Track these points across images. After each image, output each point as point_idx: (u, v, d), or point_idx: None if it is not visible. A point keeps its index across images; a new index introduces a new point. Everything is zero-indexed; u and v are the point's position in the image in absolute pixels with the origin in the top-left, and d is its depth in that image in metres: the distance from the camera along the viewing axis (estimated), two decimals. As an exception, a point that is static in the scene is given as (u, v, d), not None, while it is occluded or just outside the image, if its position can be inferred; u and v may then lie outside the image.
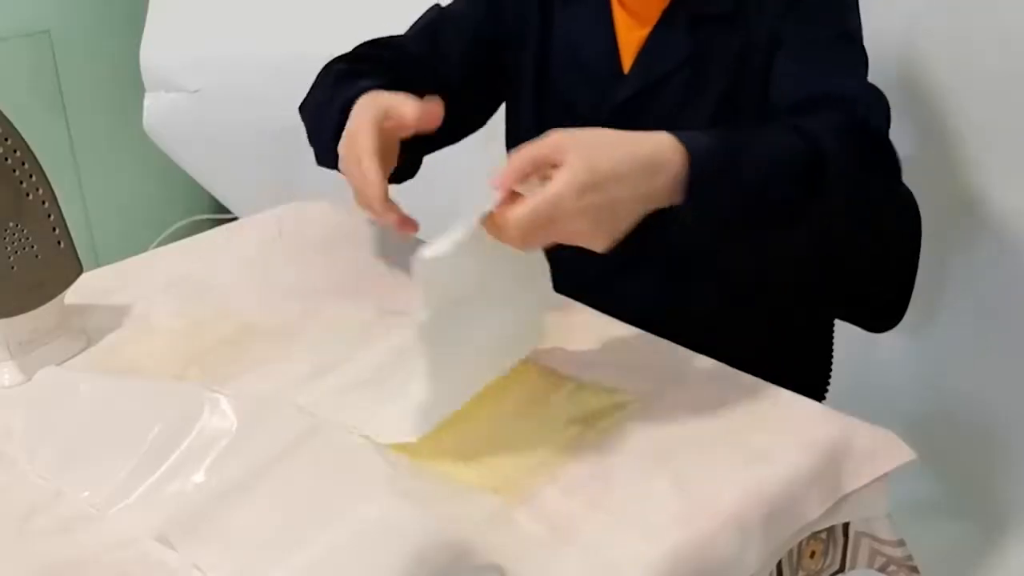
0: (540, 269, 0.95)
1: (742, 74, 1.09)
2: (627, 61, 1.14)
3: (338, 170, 1.04)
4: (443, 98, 1.09)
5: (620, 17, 1.15)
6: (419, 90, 1.05)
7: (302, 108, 1.19)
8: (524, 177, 0.84)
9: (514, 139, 1.28)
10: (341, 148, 1.00)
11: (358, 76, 1.10)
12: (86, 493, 0.85)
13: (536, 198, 0.82)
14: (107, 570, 0.78)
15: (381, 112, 0.97)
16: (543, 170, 0.84)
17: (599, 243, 0.85)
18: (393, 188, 1.02)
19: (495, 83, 1.25)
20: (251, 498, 0.81)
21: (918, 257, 1.32)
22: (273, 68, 2.04)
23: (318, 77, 1.20)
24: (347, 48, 1.90)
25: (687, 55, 1.10)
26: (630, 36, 1.14)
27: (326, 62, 1.21)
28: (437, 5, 1.27)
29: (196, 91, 2.13)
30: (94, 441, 0.90)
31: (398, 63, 1.19)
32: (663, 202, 0.87)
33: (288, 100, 2.07)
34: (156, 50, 2.14)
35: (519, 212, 0.82)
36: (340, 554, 0.75)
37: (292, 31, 2.05)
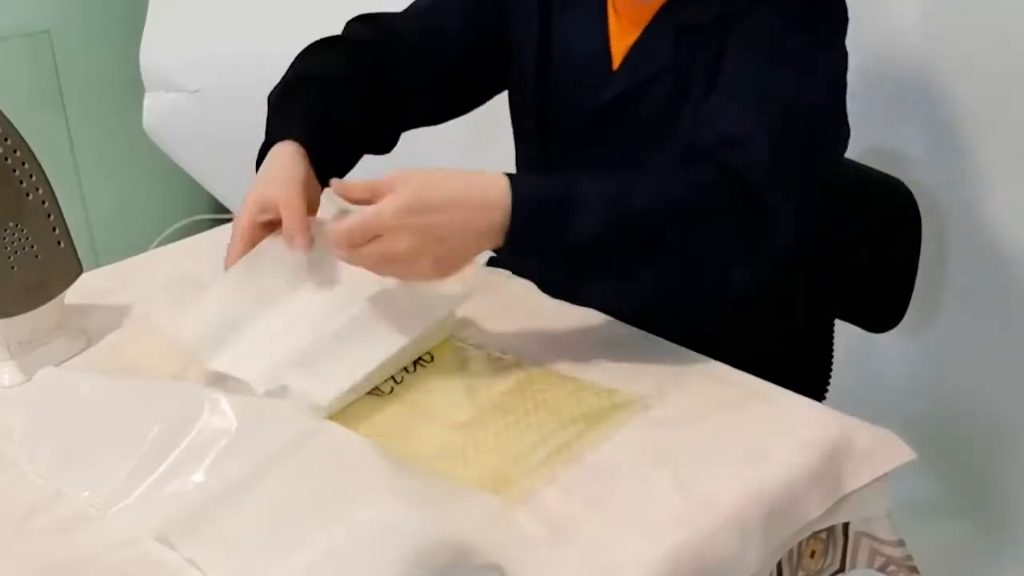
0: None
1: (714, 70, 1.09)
2: (618, 61, 1.16)
3: None
4: (434, 80, 1.19)
5: (613, 23, 1.16)
6: (405, 76, 1.17)
7: (268, 97, 1.20)
8: (360, 201, 0.92)
9: (519, 137, 1.28)
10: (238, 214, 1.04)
11: (291, 108, 1.14)
12: (86, 493, 0.85)
13: (360, 213, 0.89)
14: (107, 570, 0.78)
15: (260, 209, 1.01)
16: (378, 199, 0.90)
17: (426, 266, 0.90)
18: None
19: (490, 69, 1.24)
20: (251, 498, 0.81)
21: (918, 257, 1.32)
22: (273, 68, 2.04)
23: (296, 59, 1.24)
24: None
25: (670, 60, 1.12)
26: (621, 41, 1.15)
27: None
28: None
29: (196, 91, 2.13)
30: (94, 441, 0.90)
31: (379, 48, 1.19)
32: (496, 242, 0.91)
33: (288, 100, 2.07)
34: (156, 50, 2.14)
35: (342, 224, 0.89)
36: (340, 554, 0.75)
37: (292, 31, 2.05)
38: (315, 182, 1.05)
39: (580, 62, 1.18)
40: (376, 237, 0.89)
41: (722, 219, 0.95)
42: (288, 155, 1.05)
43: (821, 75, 1.04)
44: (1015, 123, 1.39)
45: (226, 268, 1.01)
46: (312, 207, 1.02)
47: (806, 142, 1.00)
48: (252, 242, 1.01)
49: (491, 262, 1.24)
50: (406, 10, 1.26)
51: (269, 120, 1.14)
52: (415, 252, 0.89)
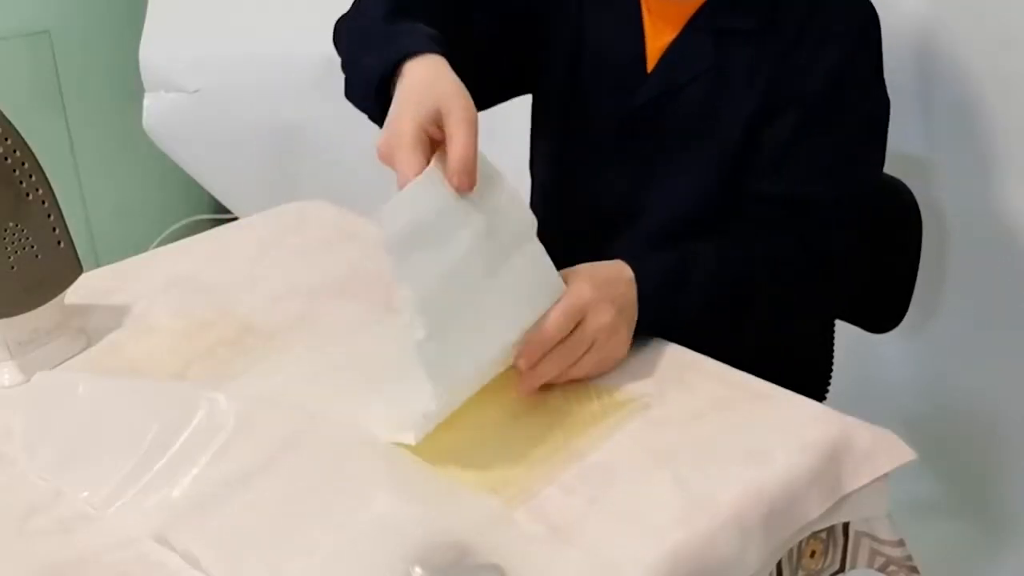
0: (528, 226, 0.92)
1: (766, 94, 1.10)
2: (652, 64, 1.15)
3: (367, 112, 1.01)
4: (477, 52, 1.08)
5: (648, 22, 1.16)
6: (455, 36, 1.01)
7: (340, 26, 1.11)
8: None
9: (541, 136, 1.28)
10: (383, 135, 0.89)
11: (405, 16, 1.01)
12: (85, 493, 0.85)
13: (560, 302, 0.92)
14: (107, 570, 0.78)
15: (430, 117, 0.87)
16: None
17: (624, 337, 0.97)
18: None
19: (515, 63, 1.21)
20: (251, 498, 0.81)
21: (918, 257, 1.32)
22: (273, 68, 2.05)
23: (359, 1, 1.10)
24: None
25: (708, 65, 1.12)
26: (656, 42, 1.15)
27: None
28: None
29: (196, 91, 2.13)
30: (93, 441, 0.90)
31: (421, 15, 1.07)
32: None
33: (288, 100, 2.08)
34: (156, 50, 2.14)
35: (550, 317, 0.91)
36: (340, 554, 0.75)
37: (292, 31, 2.05)
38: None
39: (614, 63, 1.17)
40: (580, 322, 0.92)
41: (801, 281, 1.08)
42: (441, 65, 0.90)
43: (879, 136, 1.14)
44: (1015, 123, 1.39)
45: (400, 188, 0.85)
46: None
47: (867, 205, 1.13)
48: (426, 152, 0.85)
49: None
50: None
51: (379, 31, 0.99)
52: (616, 322, 0.95)
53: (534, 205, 1.29)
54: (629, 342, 0.98)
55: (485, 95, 1.21)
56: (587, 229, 1.19)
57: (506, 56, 1.20)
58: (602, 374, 0.96)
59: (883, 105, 1.13)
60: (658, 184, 1.16)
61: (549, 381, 0.93)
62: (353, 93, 1.06)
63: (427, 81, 0.89)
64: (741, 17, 1.11)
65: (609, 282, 0.97)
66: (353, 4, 1.12)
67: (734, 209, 1.12)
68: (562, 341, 0.92)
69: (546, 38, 1.21)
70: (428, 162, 0.84)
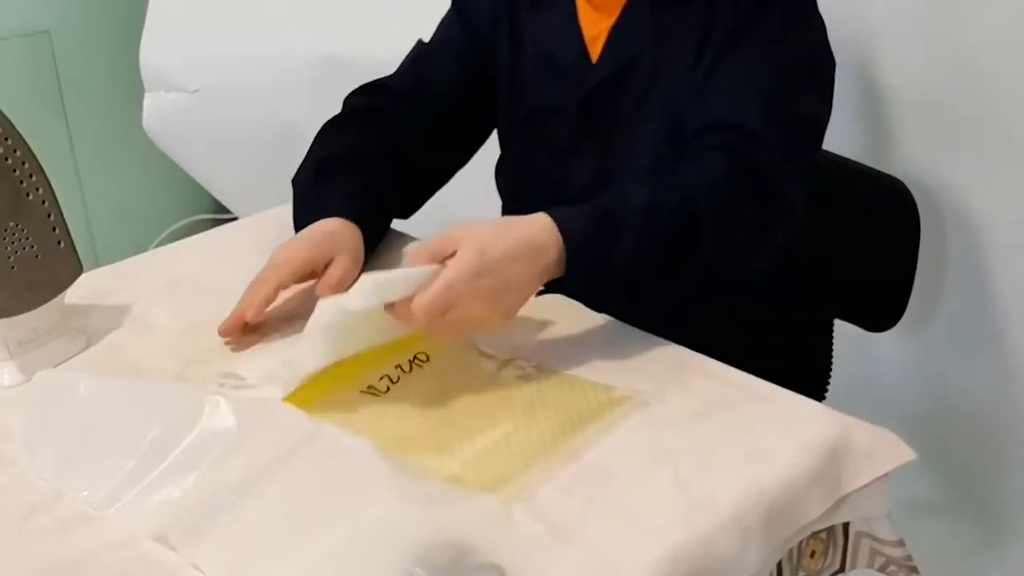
0: None
1: (703, 59, 1.11)
2: (595, 53, 1.17)
3: None
4: (439, 127, 1.24)
5: (585, 12, 1.18)
6: (413, 131, 1.22)
7: (294, 181, 1.21)
8: (430, 254, 0.95)
9: (504, 144, 1.30)
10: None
11: (338, 171, 1.17)
12: (85, 493, 0.85)
13: (435, 285, 0.91)
14: (107, 570, 0.78)
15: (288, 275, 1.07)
16: (440, 257, 0.94)
17: (496, 323, 0.96)
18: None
19: (486, 99, 1.28)
20: (251, 499, 0.81)
21: (917, 256, 1.32)
22: (273, 68, 2.05)
23: (313, 145, 1.23)
24: (345, 48, 1.92)
25: (649, 38, 1.13)
26: (596, 29, 1.17)
27: (319, 128, 1.26)
28: (420, 40, 1.31)
29: (196, 91, 2.13)
30: (93, 441, 0.90)
31: (384, 111, 1.23)
32: (554, 275, 0.97)
33: (288, 100, 2.08)
34: (156, 50, 2.14)
35: (422, 299, 0.91)
36: (340, 554, 0.75)
37: (292, 31, 2.05)
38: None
39: (557, 59, 1.19)
40: (451, 307, 0.92)
41: (736, 199, 1.03)
42: (342, 226, 1.10)
43: (807, 75, 1.11)
44: (1015, 123, 1.39)
45: (222, 332, 1.05)
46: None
47: (800, 137, 1.09)
48: (266, 302, 1.06)
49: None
50: (398, 68, 1.30)
51: (304, 202, 1.17)
52: (488, 314, 0.94)
53: (504, 209, 1.33)
54: (510, 315, 0.96)
55: (478, 134, 1.32)
56: None
57: (481, 100, 1.27)
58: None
59: (812, 47, 1.12)
60: (621, 164, 1.17)
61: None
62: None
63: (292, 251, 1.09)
64: None
65: (500, 265, 0.93)
66: (306, 154, 1.23)
67: None
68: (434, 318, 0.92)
69: (495, 58, 1.24)
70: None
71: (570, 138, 1.19)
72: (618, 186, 1.05)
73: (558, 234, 0.96)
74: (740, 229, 1.03)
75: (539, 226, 0.97)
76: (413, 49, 1.30)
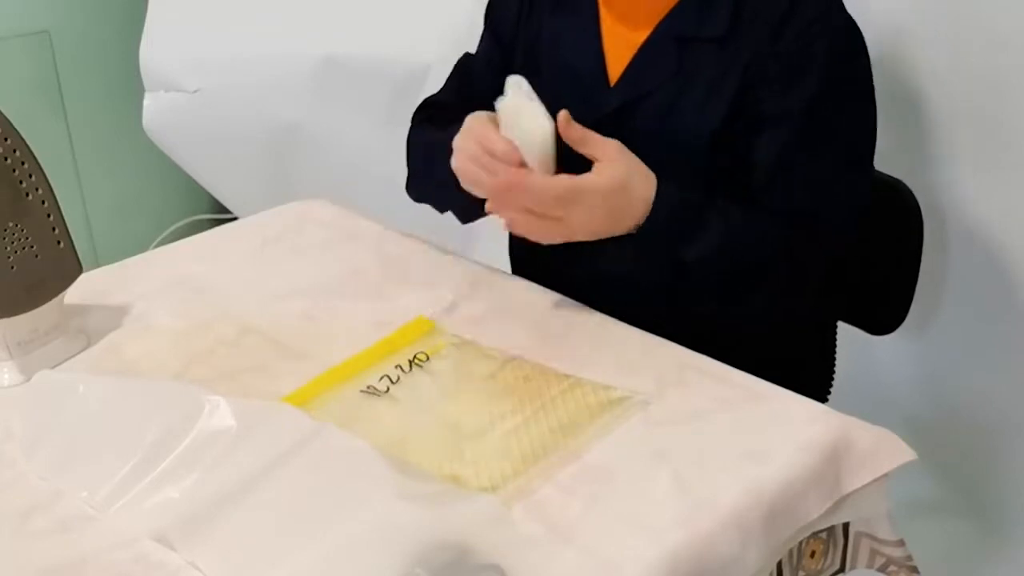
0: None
1: (737, 100, 1.09)
2: (614, 70, 1.14)
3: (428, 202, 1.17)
4: None
5: (608, 25, 1.15)
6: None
7: (411, 187, 1.23)
8: (571, 140, 1.00)
9: None
10: (458, 141, 1.07)
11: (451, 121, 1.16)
12: (85, 493, 0.85)
13: (576, 180, 0.97)
14: (107, 570, 0.78)
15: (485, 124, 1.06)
16: (589, 151, 1.00)
17: (584, 233, 0.99)
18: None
19: None
20: (251, 499, 0.81)
21: (919, 258, 1.32)
22: (273, 68, 2.04)
23: (407, 154, 1.24)
24: (345, 48, 1.92)
25: (672, 73, 1.11)
26: (618, 45, 1.14)
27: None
28: (467, 53, 1.30)
29: (196, 91, 2.13)
30: (93, 441, 0.90)
31: (447, 112, 1.21)
32: (630, 227, 1.02)
33: (288, 100, 2.08)
34: (156, 50, 2.14)
35: (555, 182, 0.97)
36: (340, 554, 0.75)
37: (292, 31, 2.05)
38: None
39: (574, 68, 1.17)
40: (571, 201, 0.97)
41: (801, 271, 1.10)
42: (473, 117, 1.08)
43: (869, 145, 1.14)
44: (1015, 123, 1.39)
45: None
46: None
47: (857, 215, 1.12)
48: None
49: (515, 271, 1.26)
50: (443, 86, 1.30)
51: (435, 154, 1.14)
52: (590, 224, 0.99)
53: None
54: (600, 231, 1.00)
55: None
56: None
57: None
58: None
59: (871, 116, 1.12)
60: None
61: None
62: (431, 196, 1.20)
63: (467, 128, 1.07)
64: (706, 24, 1.09)
65: (628, 192, 1.00)
66: (407, 163, 1.24)
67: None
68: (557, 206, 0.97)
69: (512, 58, 1.23)
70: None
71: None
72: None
73: (653, 198, 1.01)
74: (796, 291, 1.12)
75: (650, 181, 1.02)
76: (458, 61, 1.30)
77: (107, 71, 2.43)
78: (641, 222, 1.01)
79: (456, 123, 1.10)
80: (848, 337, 1.41)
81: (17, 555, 0.80)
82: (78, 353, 1.06)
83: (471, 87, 1.25)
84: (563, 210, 0.97)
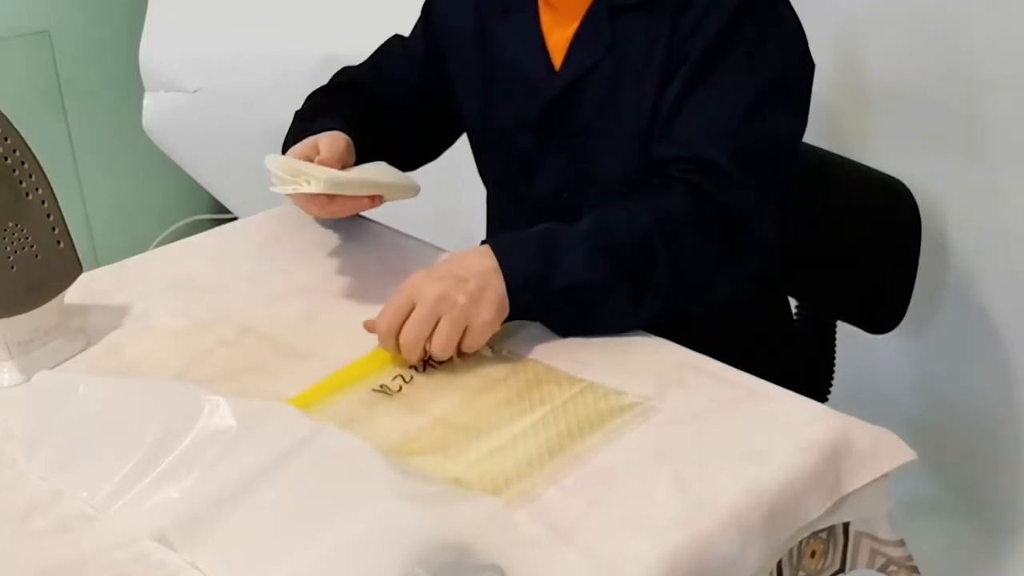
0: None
1: (666, 61, 1.10)
2: (558, 61, 1.17)
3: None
4: (403, 119, 1.27)
5: (547, 19, 1.18)
6: (381, 117, 1.24)
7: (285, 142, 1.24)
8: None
9: (475, 153, 1.31)
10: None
11: (320, 115, 1.21)
12: (85, 493, 0.85)
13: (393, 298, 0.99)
14: (107, 570, 0.78)
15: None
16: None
17: (469, 302, 0.97)
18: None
19: (441, 105, 1.30)
20: (251, 499, 0.81)
21: (918, 257, 1.32)
22: (273, 68, 2.05)
23: (296, 113, 1.29)
24: (345, 48, 1.91)
25: (608, 45, 1.13)
26: (558, 36, 1.17)
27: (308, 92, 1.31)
28: (396, 35, 1.34)
29: (196, 91, 2.13)
30: (93, 441, 0.89)
31: (353, 92, 1.28)
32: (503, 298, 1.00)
33: (288, 100, 2.07)
34: (156, 50, 2.14)
35: (384, 312, 0.99)
36: (340, 554, 0.75)
37: (292, 31, 2.05)
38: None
39: (520, 65, 1.19)
40: (414, 305, 0.97)
41: (698, 237, 1.03)
42: (335, 134, 1.13)
43: (778, 94, 1.09)
44: (1015, 123, 1.39)
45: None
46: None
47: (767, 153, 1.08)
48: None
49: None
50: (365, 61, 1.34)
51: (296, 128, 1.22)
52: (447, 289, 0.97)
53: (490, 209, 1.35)
54: (490, 304, 0.98)
55: (435, 137, 1.35)
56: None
57: (436, 108, 1.30)
58: (475, 344, 0.98)
59: (786, 62, 1.11)
60: (587, 177, 1.17)
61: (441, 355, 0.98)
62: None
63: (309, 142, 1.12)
64: None
65: (450, 261, 1.02)
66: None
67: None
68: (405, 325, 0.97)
69: (455, 67, 1.26)
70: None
71: (534, 149, 1.19)
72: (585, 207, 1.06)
73: (497, 264, 1.00)
74: (700, 263, 1.04)
75: (480, 255, 1.01)
76: (385, 41, 1.34)
77: (107, 71, 2.43)
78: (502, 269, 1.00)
79: (335, 113, 1.17)
80: (848, 337, 1.41)
81: (17, 555, 0.80)
82: (78, 353, 1.06)
83: (387, 69, 1.30)
84: (406, 301, 0.98)
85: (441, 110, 1.30)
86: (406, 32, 1.34)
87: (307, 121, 1.19)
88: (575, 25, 1.15)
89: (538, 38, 1.18)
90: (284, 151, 1.17)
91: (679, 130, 1.08)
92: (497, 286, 0.99)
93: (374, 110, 1.25)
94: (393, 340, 0.98)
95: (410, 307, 0.97)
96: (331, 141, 1.12)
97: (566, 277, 1.00)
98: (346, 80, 1.31)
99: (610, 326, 1.03)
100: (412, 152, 1.32)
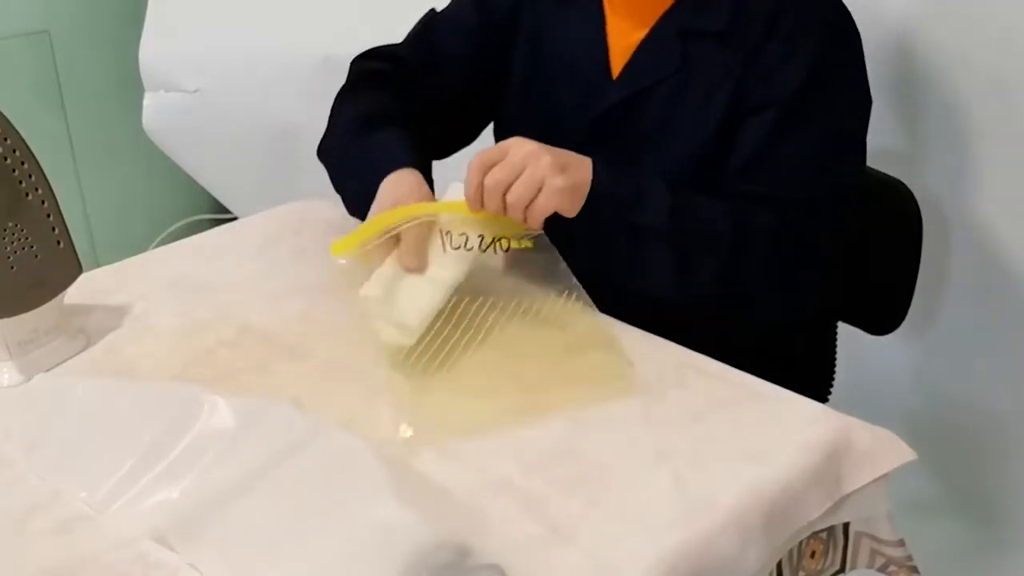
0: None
1: (737, 93, 1.09)
2: (616, 65, 1.15)
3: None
4: (444, 101, 1.21)
5: (612, 22, 1.15)
6: (421, 101, 1.18)
7: (322, 151, 1.21)
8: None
9: (502, 138, 1.28)
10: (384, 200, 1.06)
11: (376, 125, 1.14)
12: (84, 493, 0.85)
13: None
14: (106, 570, 0.78)
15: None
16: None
17: (551, 163, 0.97)
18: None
19: (489, 87, 1.25)
20: (251, 499, 0.81)
21: (919, 258, 1.32)
22: (273, 68, 2.04)
23: (333, 114, 1.22)
24: (345, 48, 1.90)
25: (674, 68, 1.11)
26: (621, 41, 1.14)
27: (336, 91, 1.24)
28: (432, 9, 1.28)
29: (196, 91, 2.13)
30: (92, 441, 0.89)
31: (392, 77, 1.21)
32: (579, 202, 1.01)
33: (288, 100, 2.08)
34: (156, 50, 2.14)
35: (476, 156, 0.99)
36: (340, 554, 0.75)
37: (292, 31, 2.05)
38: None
39: (577, 63, 1.16)
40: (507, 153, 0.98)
41: (768, 253, 1.05)
42: (403, 181, 1.06)
43: (857, 139, 1.12)
44: (1015, 123, 1.39)
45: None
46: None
47: (843, 206, 1.10)
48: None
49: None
50: (407, 36, 1.27)
51: (350, 160, 1.15)
52: (540, 151, 0.98)
53: None
54: (569, 177, 0.99)
55: (478, 117, 1.29)
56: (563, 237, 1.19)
57: (480, 90, 1.25)
58: (540, 206, 0.98)
59: (862, 107, 1.12)
60: None
61: (502, 213, 0.99)
62: (347, 207, 1.17)
63: (393, 200, 1.04)
64: (708, 17, 1.10)
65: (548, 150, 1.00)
66: (328, 124, 1.22)
67: None
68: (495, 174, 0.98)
69: (508, 55, 1.22)
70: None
71: (577, 149, 1.16)
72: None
73: (591, 171, 1.01)
74: (757, 275, 1.06)
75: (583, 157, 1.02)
76: (422, 19, 1.27)
77: (107, 71, 2.43)
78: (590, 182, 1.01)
79: (394, 123, 1.12)
80: (848, 337, 1.41)
81: (17, 555, 0.80)
82: (78, 353, 1.06)
83: (435, 48, 1.24)
84: (517, 155, 0.98)
85: (486, 90, 1.25)
86: (401, 32, 1.32)
87: (365, 132, 1.14)
88: (640, 33, 1.12)
89: (601, 38, 1.15)
90: (341, 158, 1.16)
91: (762, 171, 1.08)
92: (584, 176, 1.00)
93: (420, 93, 1.21)
94: (480, 177, 0.99)
95: (503, 155, 0.98)
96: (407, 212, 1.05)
97: (642, 217, 1.02)
98: (373, 70, 1.24)
99: (645, 283, 1.05)
100: (454, 130, 1.28)
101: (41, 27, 2.34)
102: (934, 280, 1.51)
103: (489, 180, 0.98)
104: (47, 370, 1.02)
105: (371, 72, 1.23)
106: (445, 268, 1.01)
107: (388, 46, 1.26)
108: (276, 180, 2.12)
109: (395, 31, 1.34)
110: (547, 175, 0.97)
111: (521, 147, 0.98)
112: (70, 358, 1.05)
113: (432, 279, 1.01)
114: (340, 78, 1.29)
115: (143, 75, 2.16)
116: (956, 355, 1.57)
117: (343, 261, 1.02)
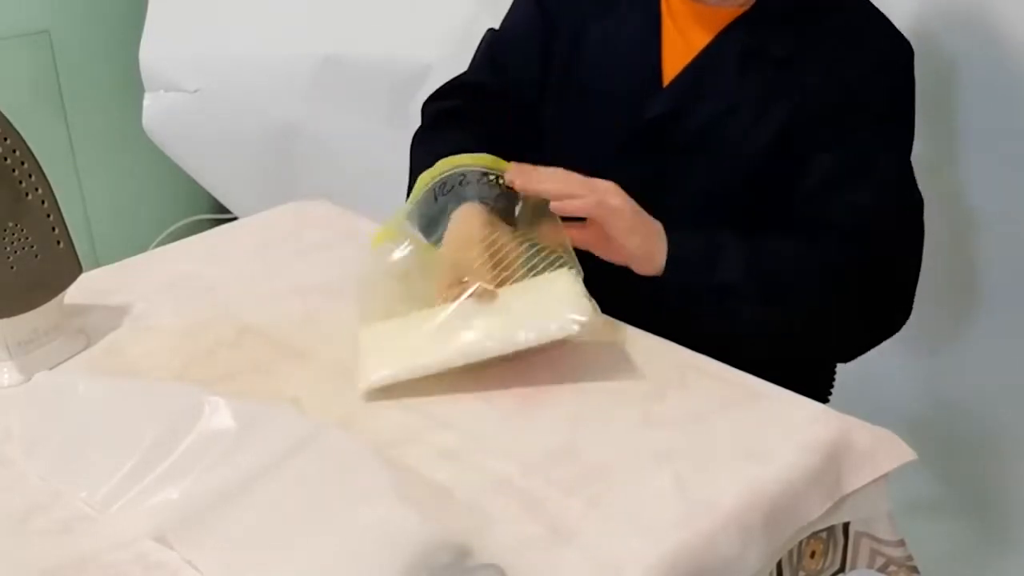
0: None
1: (797, 115, 1.08)
2: (668, 73, 1.13)
3: None
4: (521, 115, 1.20)
5: (668, 27, 1.13)
6: (498, 124, 1.15)
7: (415, 144, 1.18)
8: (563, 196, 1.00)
9: (547, 148, 1.26)
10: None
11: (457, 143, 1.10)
12: (84, 493, 0.85)
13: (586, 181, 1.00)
14: (106, 570, 0.78)
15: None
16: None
17: (627, 218, 0.99)
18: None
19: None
20: (251, 500, 0.81)
21: (920, 260, 1.32)
22: (273, 68, 2.05)
23: (412, 157, 1.17)
24: (345, 48, 1.91)
25: (727, 86, 1.09)
26: (673, 47, 1.12)
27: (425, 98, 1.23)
28: (491, 29, 1.25)
29: (196, 91, 2.13)
30: (93, 442, 0.89)
31: (466, 112, 1.18)
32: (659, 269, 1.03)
33: (288, 100, 2.08)
34: (156, 50, 2.14)
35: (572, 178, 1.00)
36: (340, 555, 0.75)
37: (292, 31, 2.05)
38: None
39: (627, 72, 1.14)
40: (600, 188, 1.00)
41: (864, 287, 1.07)
42: (475, 216, 1.02)
43: (909, 159, 1.12)
44: (1015, 123, 1.39)
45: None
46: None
47: (918, 226, 1.13)
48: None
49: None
50: (472, 62, 1.25)
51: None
52: (624, 207, 1.00)
53: None
54: (643, 242, 1.01)
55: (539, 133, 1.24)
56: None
57: (545, 93, 1.21)
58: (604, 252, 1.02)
59: (912, 136, 1.13)
60: (661, 190, 1.10)
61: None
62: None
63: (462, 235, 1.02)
64: (770, 42, 1.08)
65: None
66: (410, 168, 1.17)
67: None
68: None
69: (553, 49, 1.18)
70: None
71: (616, 154, 1.14)
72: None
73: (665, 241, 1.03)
74: (861, 313, 1.08)
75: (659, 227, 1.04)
76: (483, 39, 1.24)
77: (107, 71, 2.43)
78: (665, 250, 1.02)
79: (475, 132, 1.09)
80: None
81: (17, 555, 0.80)
82: (78, 353, 1.06)
83: (505, 63, 1.21)
84: (598, 194, 0.99)
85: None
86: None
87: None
88: (699, 42, 1.11)
89: (655, 44, 1.12)
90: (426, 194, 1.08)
91: (836, 200, 1.07)
92: (659, 246, 1.02)
93: (497, 117, 1.18)
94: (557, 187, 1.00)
95: (587, 191, 0.99)
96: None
97: (723, 273, 1.03)
98: (447, 110, 1.20)
99: (734, 328, 1.07)
100: (532, 142, 1.22)
101: (41, 27, 2.34)
102: (933, 279, 1.51)
103: (561, 197, 1.00)
104: (47, 370, 1.02)
105: (446, 112, 1.20)
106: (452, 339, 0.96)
107: (456, 79, 1.24)
108: (275, 180, 2.12)
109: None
110: (622, 234, 1.00)
111: (610, 193, 1.00)
112: (70, 358, 1.05)
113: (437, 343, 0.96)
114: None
115: (143, 75, 2.16)
116: (956, 355, 1.57)
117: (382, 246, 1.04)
